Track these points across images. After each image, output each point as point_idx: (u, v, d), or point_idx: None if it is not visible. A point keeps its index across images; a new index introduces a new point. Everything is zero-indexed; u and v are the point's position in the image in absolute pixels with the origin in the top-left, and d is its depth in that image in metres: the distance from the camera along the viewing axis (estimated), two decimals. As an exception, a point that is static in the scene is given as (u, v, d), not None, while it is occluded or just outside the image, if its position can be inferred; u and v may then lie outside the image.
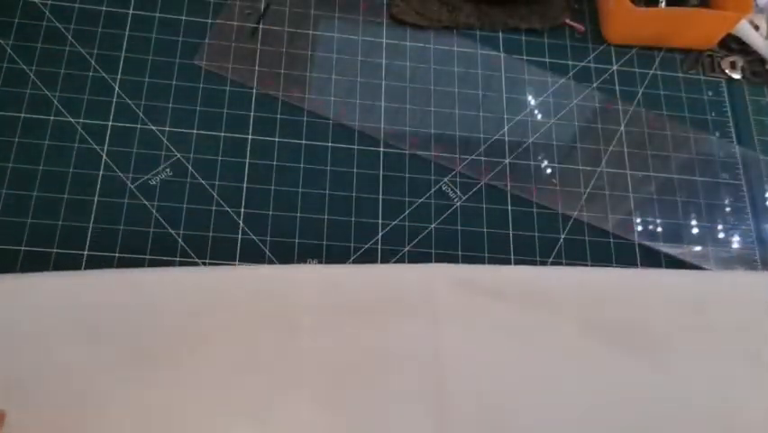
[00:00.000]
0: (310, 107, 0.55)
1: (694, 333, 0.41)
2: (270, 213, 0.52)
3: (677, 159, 0.59)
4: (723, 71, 0.63)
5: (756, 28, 0.64)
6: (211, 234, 0.50)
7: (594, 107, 0.60)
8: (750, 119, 0.62)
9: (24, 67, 0.53)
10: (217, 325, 0.39)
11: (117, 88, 0.53)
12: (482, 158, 0.56)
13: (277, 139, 0.54)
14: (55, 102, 0.52)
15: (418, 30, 0.60)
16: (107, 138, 0.51)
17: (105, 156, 0.51)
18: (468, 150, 0.56)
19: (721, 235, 0.56)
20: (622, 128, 0.59)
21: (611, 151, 0.58)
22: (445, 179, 0.55)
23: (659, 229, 0.56)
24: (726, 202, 0.58)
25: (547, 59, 0.61)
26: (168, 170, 0.51)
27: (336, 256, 0.51)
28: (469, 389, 0.39)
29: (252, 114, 0.54)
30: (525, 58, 0.61)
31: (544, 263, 0.53)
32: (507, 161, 0.56)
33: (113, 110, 0.53)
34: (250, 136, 0.54)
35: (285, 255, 0.50)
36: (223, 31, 0.57)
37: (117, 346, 0.38)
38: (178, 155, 0.52)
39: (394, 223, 0.53)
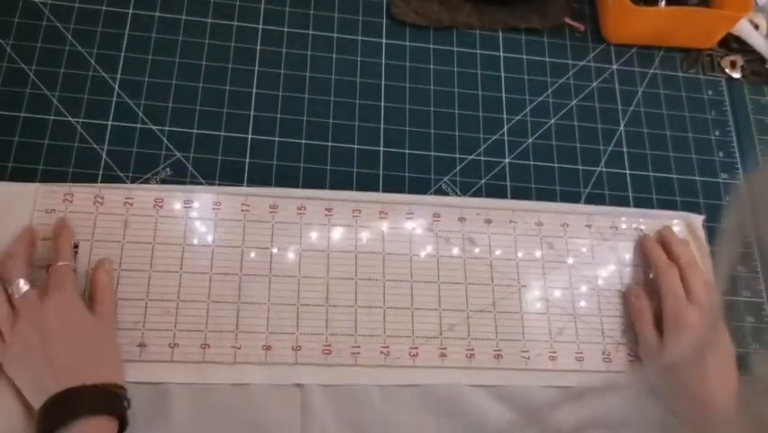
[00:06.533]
0: (310, 107, 0.55)
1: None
2: (270, 212, 0.52)
3: (677, 158, 0.59)
4: (723, 70, 0.63)
5: (756, 27, 0.64)
6: (211, 233, 0.50)
7: (594, 107, 0.60)
8: (750, 118, 0.62)
9: (24, 67, 0.53)
10: None
11: (117, 88, 0.53)
12: (482, 158, 0.56)
13: (277, 139, 0.54)
14: (55, 102, 0.52)
15: (418, 30, 0.60)
16: (107, 138, 0.51)
17: (104, 156, 0.51)
18: (468, 149, 0.56)
19: (721, 235, 0.56)
20: (622, 128, 0.59)
21: (611, 150, 0.58)
22: (445, 179, 0.55)
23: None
24: (727, 201, 0.58)
25: (547, 59, 0.61)
26: (168, 169, 0.51)
27: (336, 256, 0.51)
28: None
29: (252, 113, 0.54)
30: (525, 57, 0.61)
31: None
32: (506, 160, 0.56)
33: (113, 110, 0.53)
34: (250, 136, 0.54)
35: (285, 255, 0.50)
36: (223, 30, 0.57)
37: None
38: (178, 155, 0.52)
39: (394, 222, 0.53)
